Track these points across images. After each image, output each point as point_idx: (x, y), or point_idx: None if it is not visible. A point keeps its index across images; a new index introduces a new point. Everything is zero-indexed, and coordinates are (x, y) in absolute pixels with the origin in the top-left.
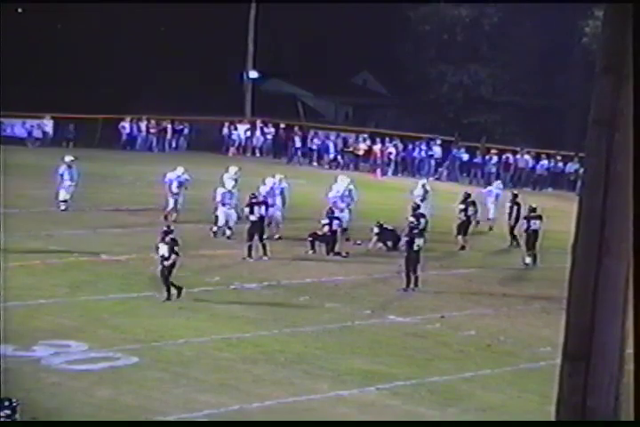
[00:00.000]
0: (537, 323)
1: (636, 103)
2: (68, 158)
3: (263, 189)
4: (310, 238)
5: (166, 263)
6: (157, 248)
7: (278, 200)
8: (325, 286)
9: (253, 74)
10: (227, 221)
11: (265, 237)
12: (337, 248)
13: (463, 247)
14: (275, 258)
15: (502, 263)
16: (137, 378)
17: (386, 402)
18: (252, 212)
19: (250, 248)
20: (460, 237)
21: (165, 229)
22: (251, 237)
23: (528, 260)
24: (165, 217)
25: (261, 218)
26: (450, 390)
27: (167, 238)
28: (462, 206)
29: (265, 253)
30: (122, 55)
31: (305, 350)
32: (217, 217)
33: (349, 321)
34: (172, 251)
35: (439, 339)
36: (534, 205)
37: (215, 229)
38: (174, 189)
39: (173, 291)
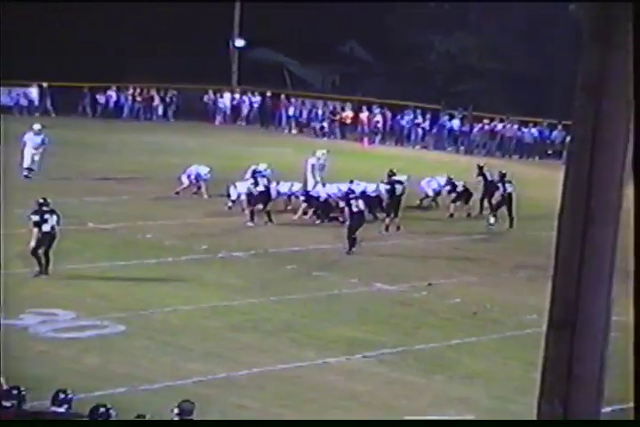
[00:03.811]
0: (523, 291)
1: (637, 101)
2: (36, 126)
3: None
4: (304, 203)
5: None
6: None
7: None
8: (313, 255)
9: (240, 42)
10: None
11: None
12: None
13: (452, 215)
14: (263, 226)
15: (489, 232)
16: (124, 346)
17: (372, 370)
18: (256, 184)
19: (252, 213)
20: (451, 204)
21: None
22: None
23: (492, 220)
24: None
25: (267, 189)
26: (436, 358)
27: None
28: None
29: (270, 220)
30: (108, 23)
31: (292, 318)
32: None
33: (336, 289)
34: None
35: (426, 307)
36: (504, 171)
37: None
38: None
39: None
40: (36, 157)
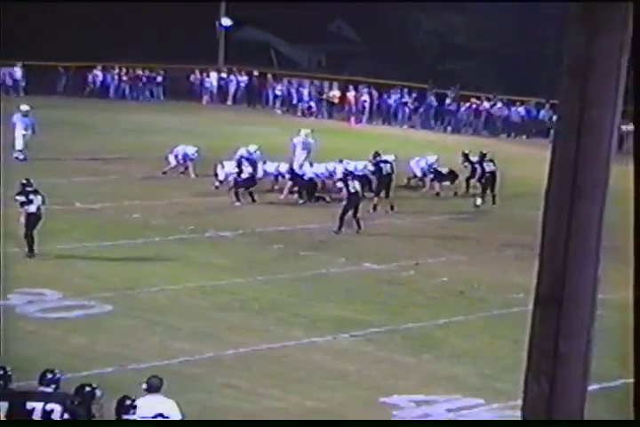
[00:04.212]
0: (510, 269)
1: (637, 102)
2: (23, 107)
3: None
4: (290, 182)
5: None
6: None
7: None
8: (300, 234)
9: (226, 21)
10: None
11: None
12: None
13: (438, 194)
14: (250, 206)
15: (476, 211)
16: (111, 326)
17: (360, 349)
18: (240, 171)
19: (237, 194)
20: (437, 183)
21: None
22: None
23: (479, 201)
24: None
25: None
26: (424, 337)
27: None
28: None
29: (253, 200)
30: (93, 3)
31: (279, 297)
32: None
33: (324, 269)
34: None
35: (413, 286)
36: (484, 151)
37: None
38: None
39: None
40: (26, 138)
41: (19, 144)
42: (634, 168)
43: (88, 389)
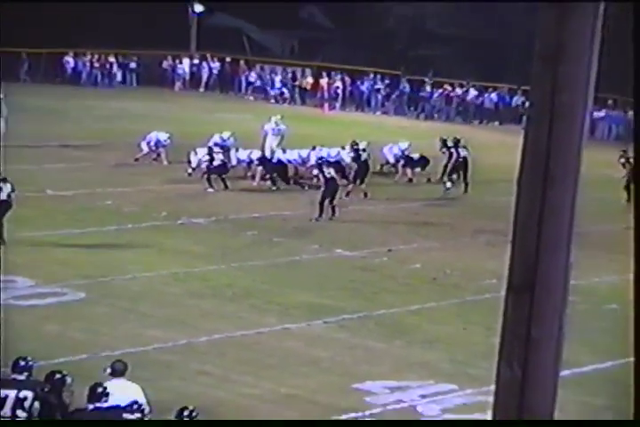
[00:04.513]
0: (483, 256)
1: (637, 99)
2: None
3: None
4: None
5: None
6: None
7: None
8: (273, 221)
9: (198, 8)
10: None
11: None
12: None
13: (411, 180)
14: (223, 192)
15: (449, 197)
16: (84, 313)
17: (333, 335)
18: (212, 159)
19: (209, 180)
20: (408, 170)
21: None
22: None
23: (449, 184)
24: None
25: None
26: (396, 323)
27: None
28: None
29: (225, 186)
30: None
31: (253, 284)
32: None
33: (297, 255)
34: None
35: (386, 272)
36: (458, 137)
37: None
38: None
39: None
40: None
41: None
42: (634, 166)
43: (58, 376)
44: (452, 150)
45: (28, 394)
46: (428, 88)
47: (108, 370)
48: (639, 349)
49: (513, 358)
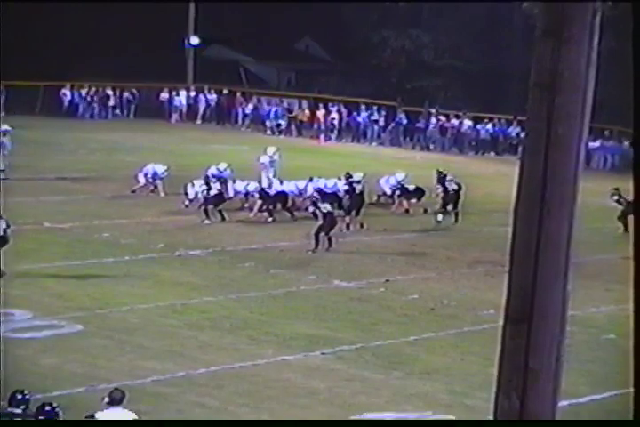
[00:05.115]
0: (480, 286)
1: (636, 102)
2: (4, 127)
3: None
4: (259, 201)
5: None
6: None
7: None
8: (270, 252)
9: (195, 40)
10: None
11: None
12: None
13: (407, 211)
14: (220, 224)
15: (446, 228)
16: (82, 346)
17: (331, 366)
18: (209, 189)
19: (206, 212)
20: (404, 201)
21: None
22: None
23: (440, 217)
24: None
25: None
26: (394, 354)
27: None
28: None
29: (223, 218)
30: (63, 21)
31: (250, 315)
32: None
33: (294, 286)
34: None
35: (383, 303)
36: (445, 171)
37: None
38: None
39: None
40: (7, 159)
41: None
42: (633, 175)
43: (49, 408)
44: (447, 185)
45: None
46: (434, 120)
47: (106, 399)
48: (639, 356)
49: (511, 389)
